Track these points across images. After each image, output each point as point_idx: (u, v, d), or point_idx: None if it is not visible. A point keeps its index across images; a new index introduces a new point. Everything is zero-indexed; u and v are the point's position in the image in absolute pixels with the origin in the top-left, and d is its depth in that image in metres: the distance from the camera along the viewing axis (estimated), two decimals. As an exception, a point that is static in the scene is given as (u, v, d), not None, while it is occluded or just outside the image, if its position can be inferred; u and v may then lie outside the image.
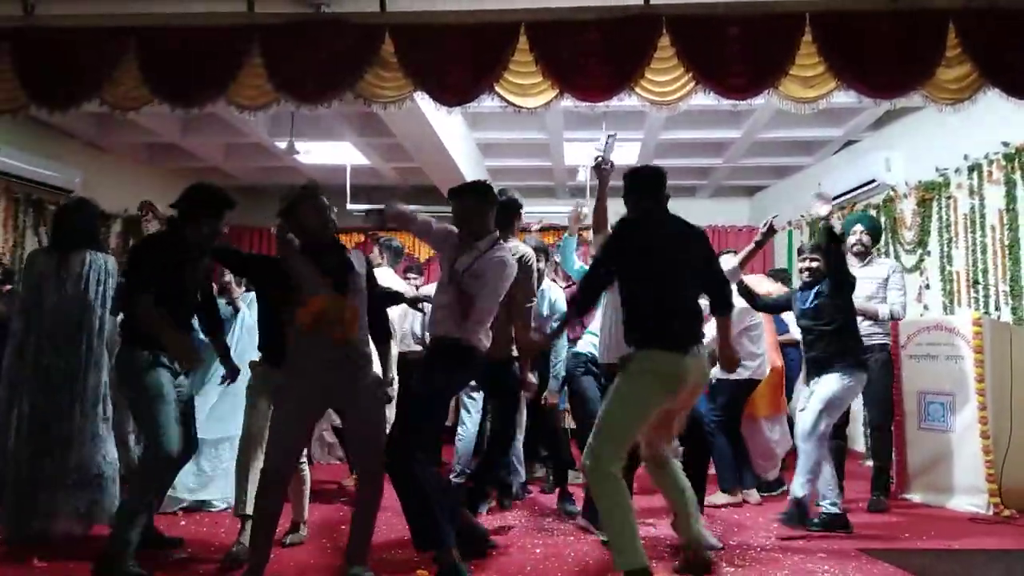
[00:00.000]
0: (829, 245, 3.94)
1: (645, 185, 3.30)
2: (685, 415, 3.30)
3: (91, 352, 3.68)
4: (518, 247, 3.76)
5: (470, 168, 7.48)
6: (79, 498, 3.60)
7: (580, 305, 3.31)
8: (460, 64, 3.88)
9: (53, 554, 3.36)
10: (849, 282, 4.05)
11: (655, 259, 3.09)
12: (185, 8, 3.97)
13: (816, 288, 4.11)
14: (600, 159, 3.65)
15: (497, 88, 3.88)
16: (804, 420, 3.96)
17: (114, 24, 4.01)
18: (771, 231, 4.09)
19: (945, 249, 5.90)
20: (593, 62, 3.80)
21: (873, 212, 6.58)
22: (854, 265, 4.63)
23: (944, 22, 3.63)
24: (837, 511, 3.97)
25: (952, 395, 4.79)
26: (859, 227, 4.83)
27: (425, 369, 3.22)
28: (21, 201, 6.72)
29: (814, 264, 4.14)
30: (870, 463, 5.20)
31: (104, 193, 7.36)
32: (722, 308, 3.22)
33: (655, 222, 3.21)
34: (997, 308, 5.29)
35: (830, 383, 3.96)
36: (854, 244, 4.77)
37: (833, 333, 4.02)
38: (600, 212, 3.72)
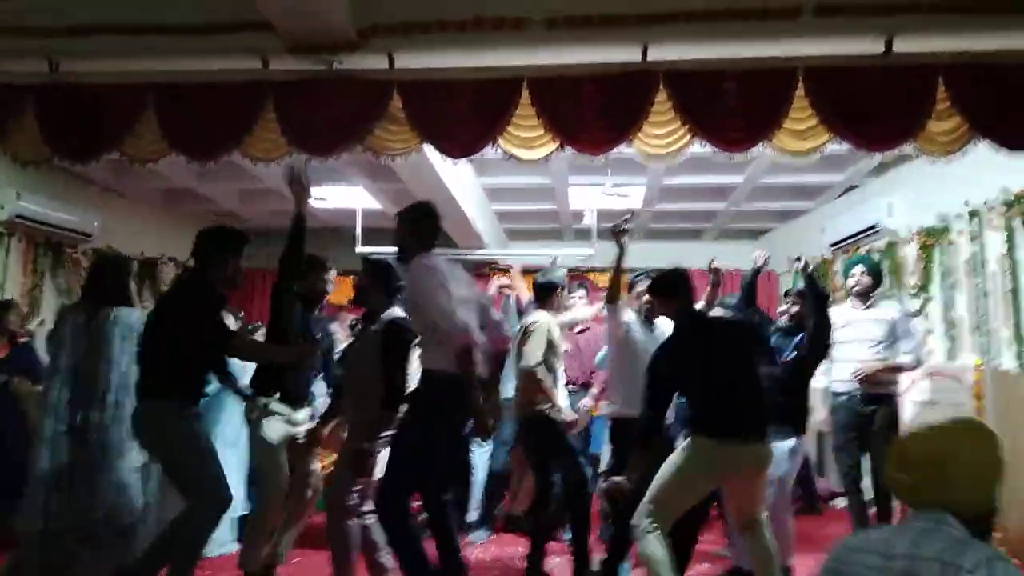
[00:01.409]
0: (813, 293, 4.02)
1: (678, 287, 3.54)
2: (762, 488, 3.41)
3: (119, 408, 3.71)
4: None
5: (477, 212, 7.63)
6: (109, 551, 3.62)
7: (653, 420, 3.40)
8: (465, 119, 4.01)
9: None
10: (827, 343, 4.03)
11: (704, 360, 3.33)
12: (203, 65, 4.14)
13: (798, 338, 4.12)
14: (617, 228, 3.87)
15: (500, 141, 4.01)
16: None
17: (134, 81, 4.17)
18: (716, 273, 4.22)
19: (947, 294, 5.93)
20: (592, 116, 3.92)
21: (876, 257, 6.64)
22: (857, 307, 4.65)
23: (934, 76, 3.73)
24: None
25: (955, 441, 4.78)
26: (859, 268, 4.82)
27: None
28: (40, 245, 6.90)
29: (795, 308, 4.17)
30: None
31: (121, 237, 7.57)
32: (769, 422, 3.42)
33: (702, 316, 3.50)
34: (999, 354, 5.30)
35: (782, 460, 3.86)
36: (854, 285, 4.76)
37: (790, 400, 4.00)
38: (615, 283, 3.93)
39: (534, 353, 4.05)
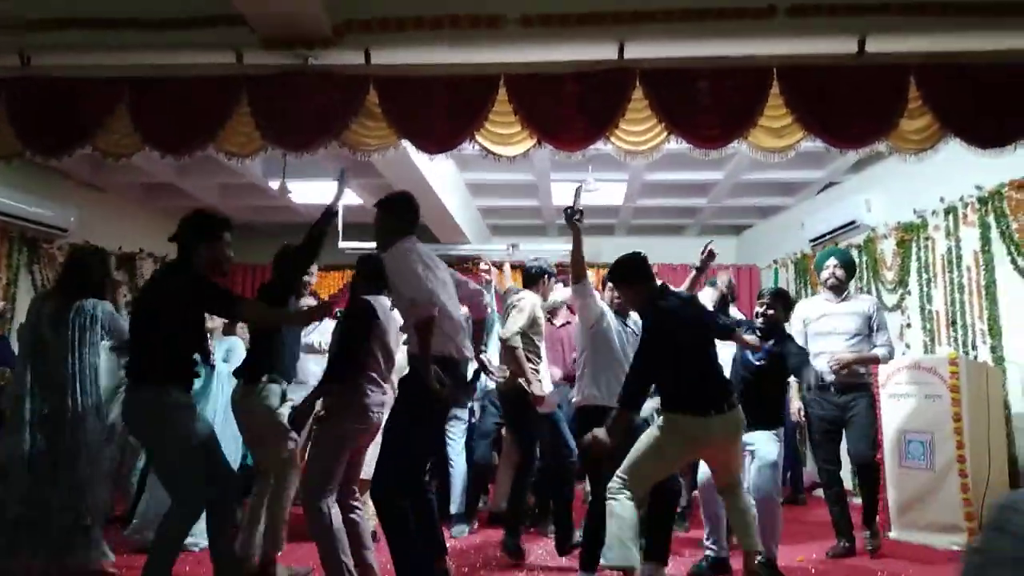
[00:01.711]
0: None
1: (638, 273, 3.54)
2: (739, 452, 3.58)
3: (86, 396, 3.72)
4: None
5: (459, 208, 7.62)
6: (73, 541, 3.63)
7: (632, 400, 3.41)
8: (442, 114, 4.01)
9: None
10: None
11: (672, 340, 3.38)
12: (176, 59, 4.09)
13: (771, 342, 4.09)
14: (569, 210, 3.67)
15: (478, 137, 4.01)
16: (764, 491, 3.88)
17: (106, 75, 4.14)
18: (711, 256, 4.07)
19: (924, 289, 6.00)
20: (570, 113, 3.93)
21: (854, 252, 6.70)
22: (830, 300, 4.66)
23: (905, 76, 3.76)
24: (724, 555, 4.03)
25: (931, 434, 4.85)
26: (832, 260, 4.77)
27: None
28: (16, 240, 6.82)
29: (771, 312, 4.12)
30: (856, 500, 5.21)
31: (99, 232, 7.49)
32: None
33: (663, 307, 3.45)
34: (975, 347, 5.37)
35: (769, 446, 3.97)
36: (828, 278, 4.71)
37: (769, 396, 4.10)
38: (577, 262, 3.74)
39: (512, 326, 4.28)
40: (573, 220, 3.68)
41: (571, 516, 4.34)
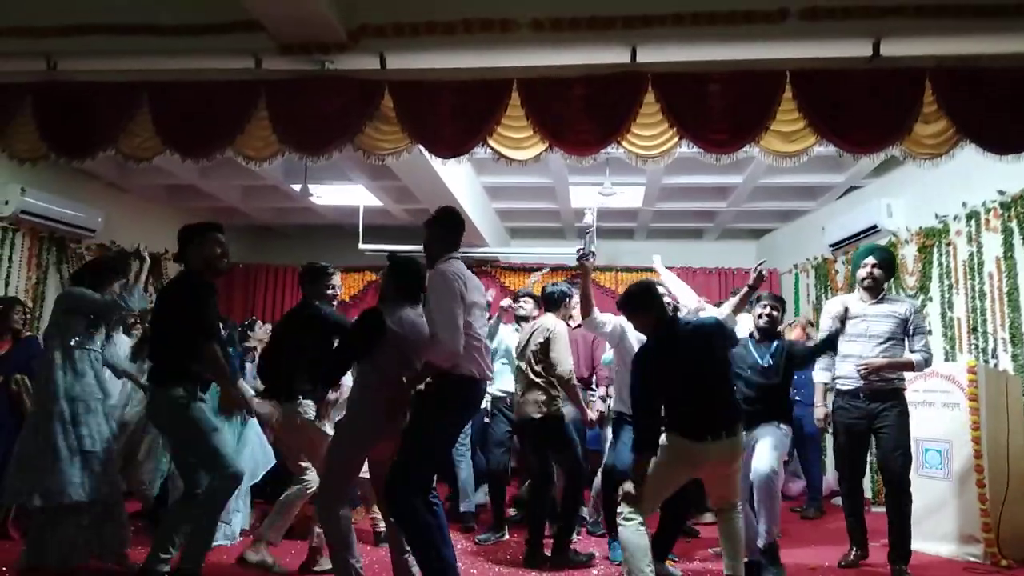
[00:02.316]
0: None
1: (644, 302, 3.60)
2: (736, 478, 3.60)
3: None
4: None
5: (476, 211, 7.66)
6: (105, 528, 3.79)
7: (646, 443, 3.50)
8: (454, 118, 4.05)
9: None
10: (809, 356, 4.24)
11: (672, 369, 3.46)
12: (196, 64, 4.18)
13: (776, 344, 4.14)
14: (581, 252, 3.93)
15: (490, 141, 4.04)
16: (762, 472, 3.96)
17: (129, 79, 4.24)
18: (760, 277, 4.03)
19: (946, 295, 5.92)
20: (581, 117, 3.95)
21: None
22: (864, 300, 4.33)
23: (920, 79, 3.72)
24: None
25: (949, 442, 4.78)
26: (870, 259, 4.37)
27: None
28: (45, 240, 6.99)
29: (775, 313, 4.18)
30: (876, 510, 5.12)
31: (124, 232, 7.65)
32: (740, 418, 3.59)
33: (667, 337, 3.54)
34: (995, 356, 5.28)
35: (774, 435, 4.08)
36: (864, 277, 4.34)
37: (775, 395, 4.15)
38: (585, 299, 4.08)
39: (566, 360, 4.29)
40: (583, 260, 3.93)
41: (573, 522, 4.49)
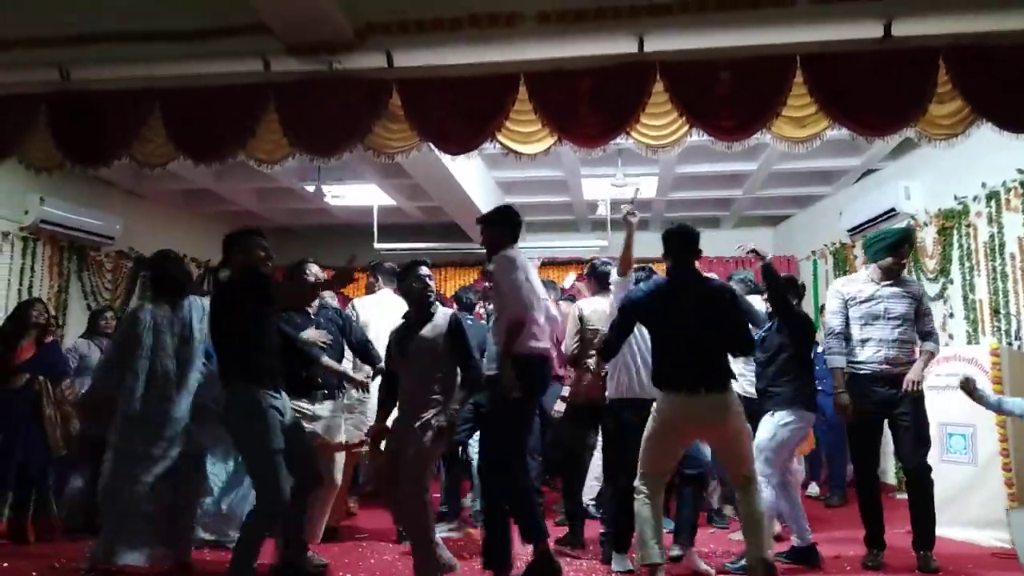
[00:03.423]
0: (770, 284, 4.10)
1: (669, 246, 3.65)
2: (742, 448, 3.55)
3: (202, 389, 4.00)
4: None
5: (489, 206, 7.60)
6: (174, 530, 3.85)
7: (609, 352, 3.80)
8: (463, 115, 4.04)
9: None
10: (796, 321, 4.14)
11: (674, 313, 3.51)
12: (205, 68, 4.21)
13: (765, 328, 4.20)
14: (629, 211, 4.00)
15: (499, 136, 4.03)
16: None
17: (140, 86, 4.28)
18: (759, 255, 4.06)
19: (967, 277, 5.83)
20: (590, 109, 3.92)
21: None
22: (877, 281, 4.19)
23: (934, 59, 3.66)
24: (804, 544, 4.10)
25: (973, 427, 4.72)
26: (907, 248, 4.26)
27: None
28: (66, 248, 7.08)
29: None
30: (900, 496, 5.05)
31: (143, 238, 7.74)
32: (730, 375, 3.56)
33: (682, 284, 3.59)
34: (1018, 337, 5.20)
35: (766, 427, 4.06)
36: (902, 265, 4.25)
37: (776, 370, 4.09)
38: (627, 256, 4.06)
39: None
40: (629, 219, 3.99)
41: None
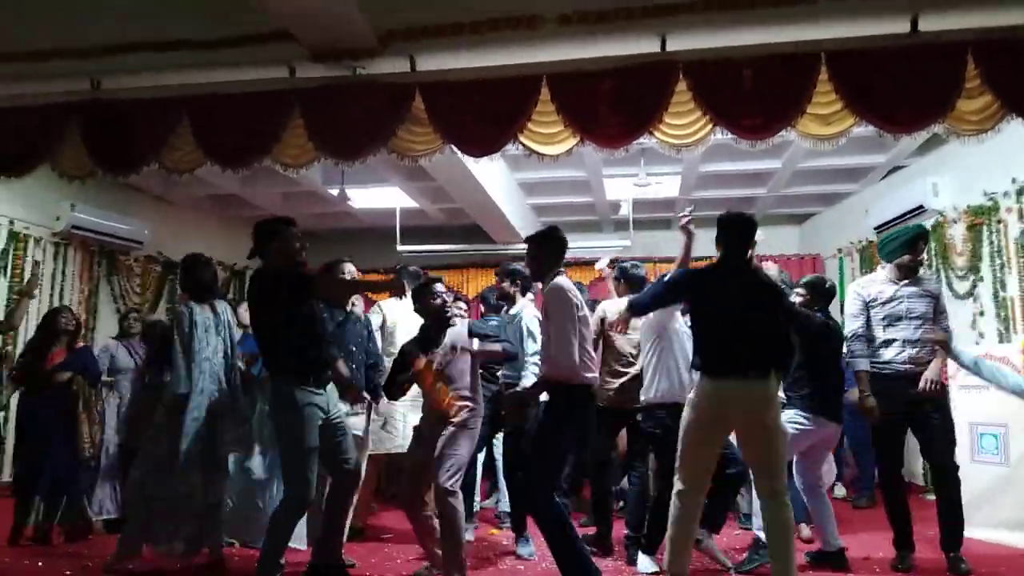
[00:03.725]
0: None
1: (721, 232, 3.56)
2: (778, 447, 3.40)
3: (236, 390, 4.12)
4: None
5: (512, 208, 7.67)
6: (193, 524, 3.92)
7: (638, 309, 3.77)
8: (485, 117, 4.06)
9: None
10: (819, 333, 4.06)
11: (722, 296, 3.41)
12: (232, 76, 4.27)
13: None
14: (688, 221, 3.95)
15: (521, 138, 4.05)
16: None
17: (169, 95, 4.36)
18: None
19: (997, 275, 5.74)
20: (612, 109, 3.92)
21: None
22: (896, 281, 4.16)
23: (962, 54, 3.61)
24: (832, 549, 4.06)
25: (1005, 426, 4.65)
26: (922, 244, 4.24)
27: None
28: (95, 253, 7.22)
29: (798, 299, 4.10)
30: (929, 497, 4.97)
31: (171, 243, 7.86)
32: (775, 364, 3.42)
33: (733, 270, 3.49)
34: (1052, 335, 5.11)
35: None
36: (920, 263, 4.24)
37: (791, 380, 4.05)
38: (683, 262, 3.97)
39: None
40: (687, 226, 3.94)
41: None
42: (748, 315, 3.37)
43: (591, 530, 4.53)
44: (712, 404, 3.36)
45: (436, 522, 3.73)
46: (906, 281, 4.16)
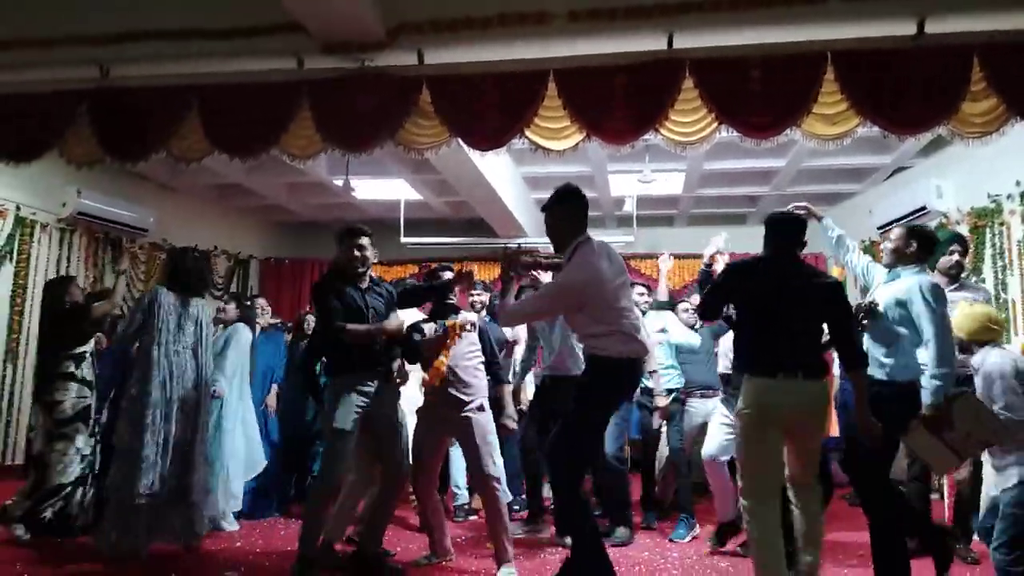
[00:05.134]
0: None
1: (769, 232, 3.39)
2: (811, 444, 3.28)
3: (206, 387, 4.15)
4: None
5: (516, 202, 7.69)
6: (179, 516, 3.98)
7: (709, 312, 3.59)
8: (492, 111, 4.08)
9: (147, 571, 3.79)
10: None
11: (771, 292, 3.21)
12: (242, 66, 4.29)
13: None
14: (719, 252, 4.28)
15: (527, 132, 4.06)
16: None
17: (178, 83, 4.37)
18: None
19: (999, 276, 5.76)
20: (619, 106, 3.94)
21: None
22: (947, 287, 3.98)
23: (968, 56, 3.62)
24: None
25: (1005, 428, 4.65)
26: (956, 246, 4.26)
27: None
28: (101, 240, 7.25)
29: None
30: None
31: (176, 231, 7.89)
32: (850, 363, 3.23)
33: (770, 269, 3.30)
34: (1052, 338, 5.14)
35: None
36: (951, 267, 4.24)
37: None
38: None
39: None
40: (715, 256, 4.21)
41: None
42: (803, 315, 3.19)
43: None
44: (765, 404, 3.13)
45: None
46: (954, 287, 4.14)
